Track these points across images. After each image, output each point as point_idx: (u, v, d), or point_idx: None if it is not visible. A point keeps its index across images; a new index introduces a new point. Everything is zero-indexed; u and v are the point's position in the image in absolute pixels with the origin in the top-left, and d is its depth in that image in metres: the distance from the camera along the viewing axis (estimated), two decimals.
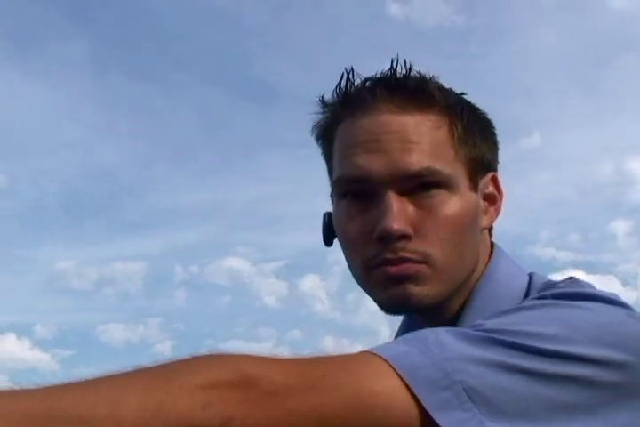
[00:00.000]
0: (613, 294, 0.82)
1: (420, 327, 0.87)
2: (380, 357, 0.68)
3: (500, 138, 0.97)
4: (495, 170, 0.96)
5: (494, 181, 0.95)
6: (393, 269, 0.87)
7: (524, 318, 0.76)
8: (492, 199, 0.95)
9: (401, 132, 0.88)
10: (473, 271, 0.92)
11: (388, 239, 0.86)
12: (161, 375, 0.62)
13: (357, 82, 0.92)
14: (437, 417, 0.66)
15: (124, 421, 0.58)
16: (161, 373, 0.62)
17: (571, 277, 0.90)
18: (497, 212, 0.96)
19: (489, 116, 0.97)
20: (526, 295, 0.90)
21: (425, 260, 0.87)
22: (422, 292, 0.87)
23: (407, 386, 0.67)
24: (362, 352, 0.70)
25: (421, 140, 0.88)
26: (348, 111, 0.91)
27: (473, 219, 0.91)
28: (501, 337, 0.71)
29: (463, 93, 0.96)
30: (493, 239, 0.99)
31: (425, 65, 0.92)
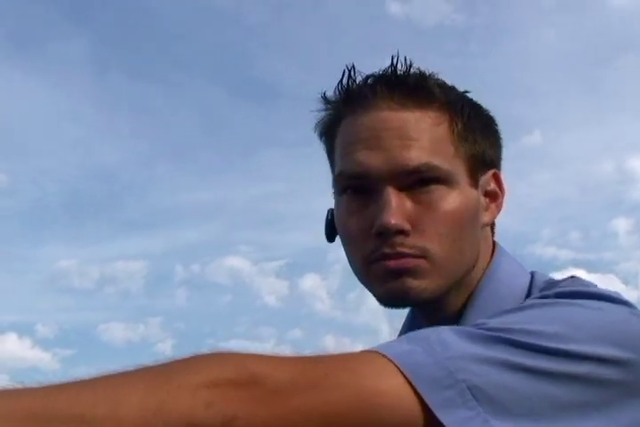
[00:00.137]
0: (616, 292, 0.82)
1: (423, 325, 0.87)
2: (384, 355, 0.68)
3: (501, 136, 0.97)
4: (498, 167, 0.96)
5: (496, 178, 0.95)
6: (392, 264, 0.87)
7: (527, 317, 0.76)
8: (494, 196, 0.95)
9: (401, 128, 0.88)
10: (473, 267, 0.92)
11: (386, 234, 0.86)
12: (162, 374, 0.62)
13: (359, 79, 0.93)
14: (441, 416, 0.66)
15: (124, 420, 0.58)
16: (162, 372, 0.62)
17: (572, 276, 0.90)
18: (498, 208, 0.95)
19: (492, 114, 0.97)
20: (528, 294, 0.90)
21: (423, 255, 0.87)
22: (421, 285, 0.87)
23: (411, 385, 0.66)
24: (365, 351, 0.70)
25: (421, 136, 0.88)
26: (350, 108, 0.92)
27: (473, 215, 0.91)
28: (504, 336, 0.71)
29: (466, 91, 0.96)
30: (495, 238, 0.98)
31: (425, 63, 0.93)
